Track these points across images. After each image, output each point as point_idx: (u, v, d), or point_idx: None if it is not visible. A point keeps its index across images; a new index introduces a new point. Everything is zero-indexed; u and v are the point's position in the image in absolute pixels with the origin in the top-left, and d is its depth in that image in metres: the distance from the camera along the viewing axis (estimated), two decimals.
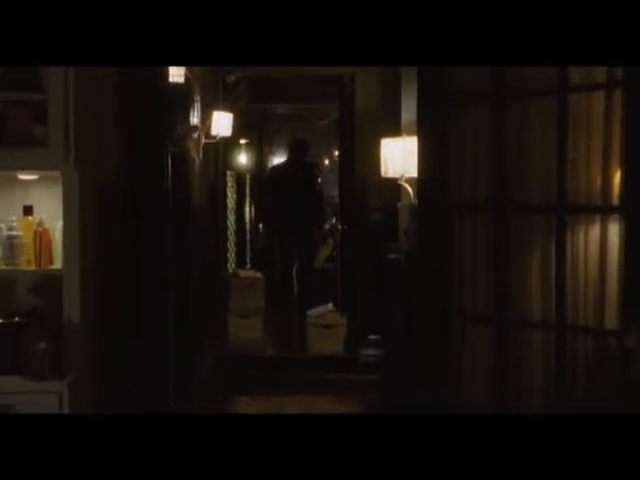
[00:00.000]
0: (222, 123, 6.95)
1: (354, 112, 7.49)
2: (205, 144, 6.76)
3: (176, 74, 4.58)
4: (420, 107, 3.86)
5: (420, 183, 4.05)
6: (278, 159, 11.86)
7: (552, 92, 3.33)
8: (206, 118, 6.62)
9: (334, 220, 9.88)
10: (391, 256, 6.23)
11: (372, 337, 6.90)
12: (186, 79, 4.83)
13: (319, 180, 8.17)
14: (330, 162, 10.69)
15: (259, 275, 7.74)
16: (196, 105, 5.77)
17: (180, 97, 4.82)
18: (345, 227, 8.13)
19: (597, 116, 3.23)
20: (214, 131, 6.90)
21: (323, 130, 10.37)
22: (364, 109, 7.35)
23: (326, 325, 7.24)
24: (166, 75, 4.14)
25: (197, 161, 4.89)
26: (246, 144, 10.80)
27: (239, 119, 8.50)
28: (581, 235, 3.34)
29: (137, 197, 3.99)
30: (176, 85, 4.57)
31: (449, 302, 3.72)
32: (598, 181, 3.28)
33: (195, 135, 5.10)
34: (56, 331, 3.54)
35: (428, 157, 3.84)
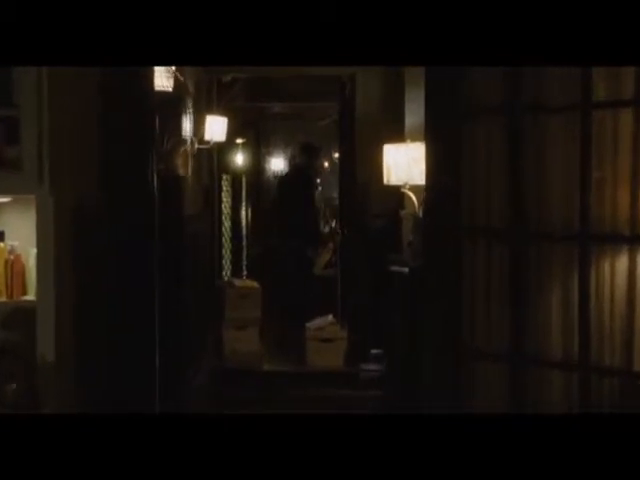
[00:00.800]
0: (216, 127, 6.63)
1: (354, 114, 7.19)
2: (198, 149, 6.47)
3: (162, 84, 4.23)
4: (429, 115, 3.55)
5: (428, 198, 3.74)
6: (276, 160, 11.57)
7: (575, 107, 3.04)
8: (198, 129, 6.33)
9: (334, 223, 9.56)
10: (394, 268, 5.95)
11: (374, 351, 6.73)
12: (175, 86, 4.48)
13: (315, 188, 7.82)
14: (330, 164, 10.37)
15: (255, 284, 7.40)
16: (187, 114, 5.44)
17: (168, 107, 4.48)
18: (345, 232, 7.80)
19: (625, 134, 2.95)
20: (208, 136, 6.58)
21: (323, 131, 10.05)
22: (365, 112, 7.07)
23: (326, 339, 6.93)
24: (151, 84, 3.79)
25: (188, 173, 4.54)
26: (243, 144, 10.43)
27: (235, 118, 8.18)
28: (606, 266, 3.02)
29: (120, 221, 3.66)
30: (163, 94, 4.23)
31: (455, 330, 3.42)
32: (625, 207, 2.97)
33: (185, 148, 4.72)
34: (29, 369, 3.23)
35: (437, 169, 3.53)
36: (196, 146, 6.38)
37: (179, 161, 4.31)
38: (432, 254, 3.60)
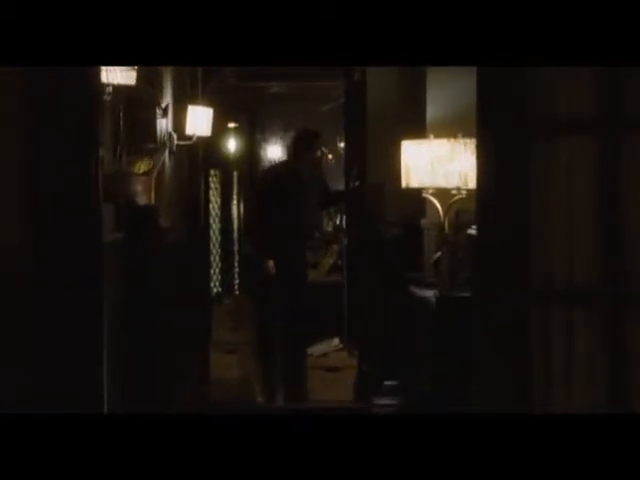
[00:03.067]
0: (199, 120, 5.54)
1: (365, 99, 6.07)
2: (178, 147, 5.43)
3: (118, 77, 3.15)
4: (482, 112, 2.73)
5: (481, 214, 2.75)
6: (272, 148, 10.36)
7: None
8: (178, 122, 5.27)
9: (338, 220, 8.49)
10: (414, 289, 4.94)
11: (388, 383, 5.73)
12: (140, 76, 3.37)
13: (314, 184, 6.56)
14: (335, 155, 9.25)
15: (247, 299, 6.30)
16: (156, 109, 4.35)
17: (130, 105, 3.39)
18: (352, 238, 6.74)
19: None
20: (189, 130, 5.51)
21: (326, 116, 8.94)
22: (378, 98, 5.96)
23: (331, 367, 5.87)
24: (94, 81, 2.72)
25: (150, 195, 3.46)
26: (235, 130, 9.25)
27: (225, 101, 7.13)
28: None
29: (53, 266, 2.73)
30: (121, 90, 3.18)
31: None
32: None
33: (150, 160, 3.51)
34: None
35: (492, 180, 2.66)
36: (175, 142, 5.34)
37: (138, 184, 3.17)
38: (481, 291, 2.72)
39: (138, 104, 3.40)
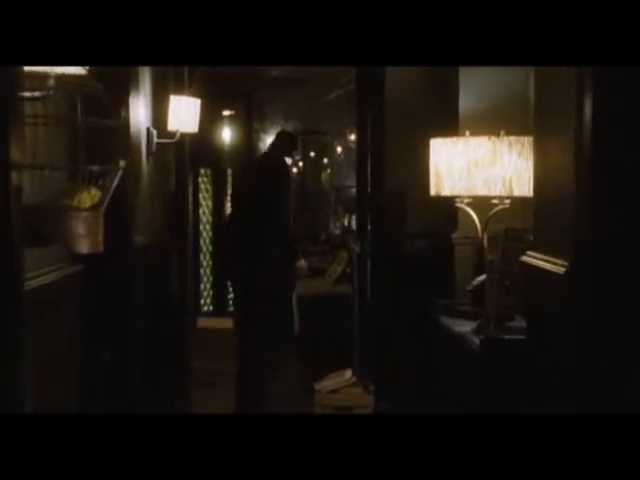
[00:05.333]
0: (184, 113, 4.59)
1: (383, 85, 5.11)
2: (159, 146, 4.50)
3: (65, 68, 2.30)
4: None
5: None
6: (272, 138, 9.44)
7: None
8: (158, 117, 4.36)
9: (346, 221, 7.60)
10: (444, 319, 4.02)
11: None
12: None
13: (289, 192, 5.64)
14: (344, 149, 8.35)
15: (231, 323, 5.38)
16: (123, 105, 3.40)
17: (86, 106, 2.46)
18: (364, 247, 5.84)
19: None
20: (172, 125, 4.57)
21: (333, 104, 8.06)
22: (398, 85, 5.02)
23: (342, 407, 4.94)
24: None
25: (98, 238, 2.54)
26: (229, 118, 8.28)
27: (219, 87, 6.24)
28: None
29: None
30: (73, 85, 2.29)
31: None
32: None
33: (101, 185, 2.48)
34: None
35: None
36: (155, 141, 4.42)
37: (77, 224, 2.17)
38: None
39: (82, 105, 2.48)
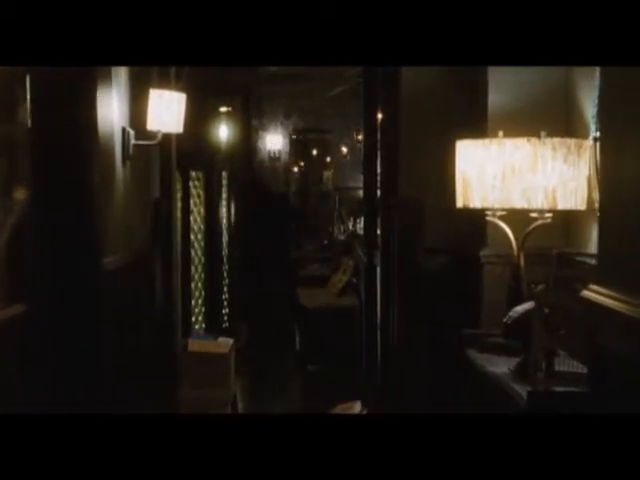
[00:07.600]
0: (166, 110, 3.93)
1: (399, 80, 4.56)
2: (137, 147, 3.90)
3: None
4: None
5: None
6: (272, 137, 8.89)
7: None
8: (136, 115, 3.77)
9: (352, 224, 7.04)
10: (472, 353, 3.47)
11: None
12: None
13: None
14: (350, 149, 7.83)
15: (227, 346, 4.78)
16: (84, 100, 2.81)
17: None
18: (373, 258, 5.27)
19: None
20: (152, 125, 3.91)
21: (336, 100, 7.52)
22: (415, 79, 4.47)
23: None
24: None
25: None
26: (226, 115, 7.72)
27: (213, 81, 5.70)
28: None
29: None
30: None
31: None
32: None
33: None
34: None
35: None
36: (132, 143, 3.81)
37: None
38: None
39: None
